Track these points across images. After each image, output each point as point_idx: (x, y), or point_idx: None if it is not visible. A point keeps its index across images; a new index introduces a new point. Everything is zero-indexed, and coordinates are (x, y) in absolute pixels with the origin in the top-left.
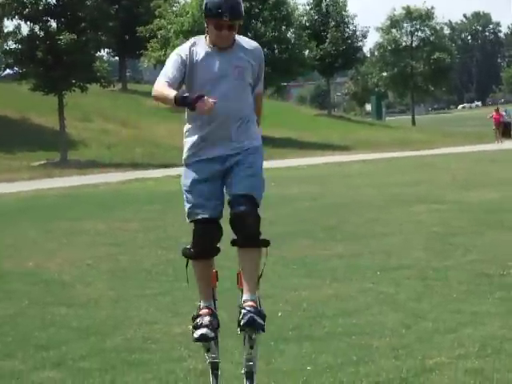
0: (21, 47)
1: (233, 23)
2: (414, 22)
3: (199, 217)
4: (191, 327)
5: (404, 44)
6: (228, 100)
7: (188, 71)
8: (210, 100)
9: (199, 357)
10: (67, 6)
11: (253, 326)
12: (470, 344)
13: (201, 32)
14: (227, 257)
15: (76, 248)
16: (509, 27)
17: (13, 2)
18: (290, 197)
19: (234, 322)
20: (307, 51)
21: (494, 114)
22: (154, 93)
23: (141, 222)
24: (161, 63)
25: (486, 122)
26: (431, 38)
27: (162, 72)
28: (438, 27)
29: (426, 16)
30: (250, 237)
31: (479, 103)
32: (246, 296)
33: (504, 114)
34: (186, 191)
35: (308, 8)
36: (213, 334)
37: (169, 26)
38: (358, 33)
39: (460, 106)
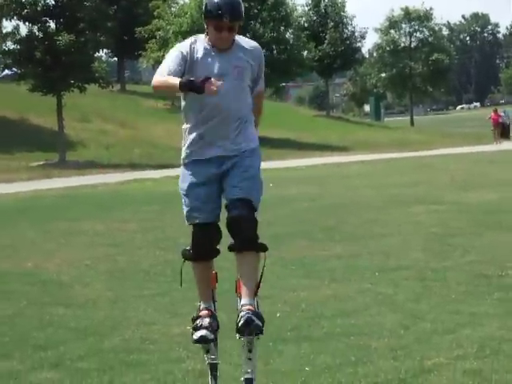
0: (19, 48)
1: (233, 25)
2: (413, 23)
3: (197, 221)
4: (191, 329)
5: (403, 45)
6: (227, 99)
7: (187, 68)
8: (218, 82)
9: (198, 358)
10: (66, 6)
11: (250, 326)
12: (469, 345)
13: (199, 33)
14: (226, 258)
15: (74, 248)
16: (507, 28)
17: (11, 3)
18: (288, 197)
19: (233, 324)
20: (306, 52)
21: (493, 114)
22: (154, 83)
23: (139, 223)
24: (159, 64)
25: (484, 122)
26: (430, 39)
27: (162, 65)
28: (436, 28)
29: (424, 17)
30: (247, 241)
31: (478, 104)
32: (244, 301)
33: (503, 114)
34: (183, 194)
35: (307, 9)
36: (212, 336)
37: (167, 27)
38: (356, 34)
39: (459, 107)
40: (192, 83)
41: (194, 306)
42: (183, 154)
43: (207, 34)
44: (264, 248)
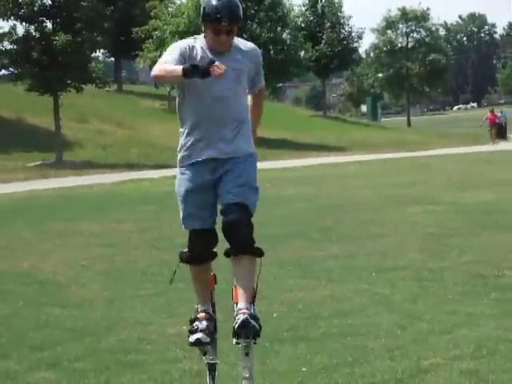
0: (16, 48)
1: (231, 28)
2: (410, 23)
3: (193, 227)
4: (187, 330)
5: (399, 45)
6: (224, 102)
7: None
8: (223, 66)
9: (194, 358)
10: (63, 6)
11: (247, 328)
12: (465, 345)
13: (196, 33)
14: (223, 258)
15: (70, 249)
16: (504, 28)
17: (8, 3)
18: (285, 198)
19: (229, 323)
20: (303, 52)
21: (489, 114)
22: (155, 71)
23: (135, 223)
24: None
25: (479, 124)
26: (427, 39)
27: (163, 57)
28: (433, 28)
29: (421, 17)
30: (243, 245)
31: (475, 104)
32: (240, 304)
33: (499, 115)
34: (179, 200)
35: (304, 9)
36: (208, 339)
37: (164, 27)
38: (353, 34)
39: (455, 108)
40: (196, 68)
41: (190, 306)
42: (179, 157)
43: (205, 36)
44: (260, 252)
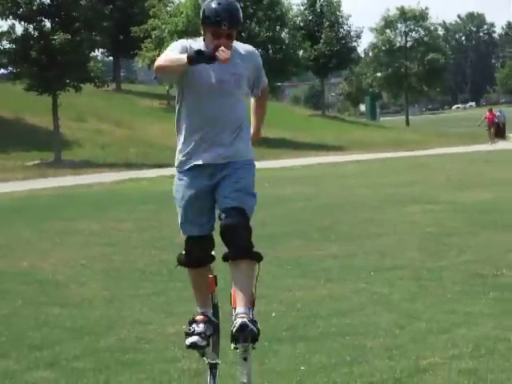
0: (15, 47)
1: (231, 32)
2: (408, 23)
3: (190, 234)
4: (184, 333)
5: (398, 44)
6: (223, 106)
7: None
8: (227, 51)
9: (193, 357)
10: (61, 5)
11: (245, 331)
12: (464, 344)
13: (195, 32)
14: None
15: (70, 248)
16: (503, 28)
17: (7, 2)
18: (284, 197)
19: (228, 323)
20: (301, 51)
21: (488, 113)
22: (158, 62)
23: (135, 222)
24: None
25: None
26: (425, 39)
27: (163, 53)
28: (432, 28)
29: (420, 16)
30: (241, 249)
31: (473, 104)
32: (238, 309)
33: (498, 114)
34: (177, 205)
35: (302, 8)
36: (204, 343)
37: (163, 26)
38: (352, 33)
39: (454, 107)
40: (201, 54)
41: (189, 306)
42: (177, 161)
43: (204, 39)
44: (259, 257)
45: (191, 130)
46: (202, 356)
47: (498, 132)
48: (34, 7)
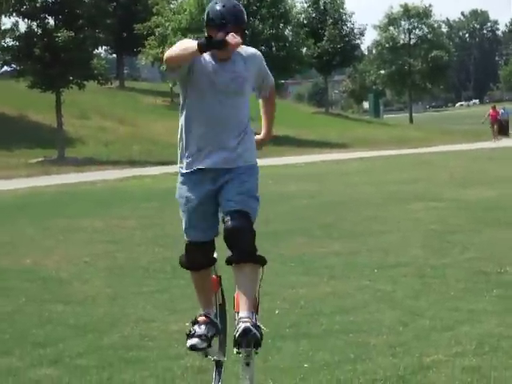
0: (18, 44)
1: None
2: (412, 20)
3: (194, 239)
4: (186, 334)
5: (402, 42)
6: (226, 109)
7: (190, 69)
8: (238, 37)
9: (196, 354)
10: (65, 3)
11: (248, 336)
12: (467, 342)
13: (198, 29)
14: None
15: (73, 245)
16: (506, 25)
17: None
18: (287, 194)
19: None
20: (305, 49)
21: (491, 111)
22: (168, 53)
23: (138, 220)
24: (158, 61)
25: (481, 121)
26: (429, 36)
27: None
28: (435, 25)
29: (423, 14)
30: (245, 252)
31: (477, 101)
32: (241, 313)
33: (502, 111)
34: (181, 210)
35: (306, 6)
36: (204, 345)
37: (166, 24)
38: (355, 30)
39: (458, 104)
40: (211, 40)
41: (193, 303)
42: (180, 163)
43: None
44: (263, 261)
45: (194, 131)
46: (205, 356)
47: (502, 129)
48: (38, 4)
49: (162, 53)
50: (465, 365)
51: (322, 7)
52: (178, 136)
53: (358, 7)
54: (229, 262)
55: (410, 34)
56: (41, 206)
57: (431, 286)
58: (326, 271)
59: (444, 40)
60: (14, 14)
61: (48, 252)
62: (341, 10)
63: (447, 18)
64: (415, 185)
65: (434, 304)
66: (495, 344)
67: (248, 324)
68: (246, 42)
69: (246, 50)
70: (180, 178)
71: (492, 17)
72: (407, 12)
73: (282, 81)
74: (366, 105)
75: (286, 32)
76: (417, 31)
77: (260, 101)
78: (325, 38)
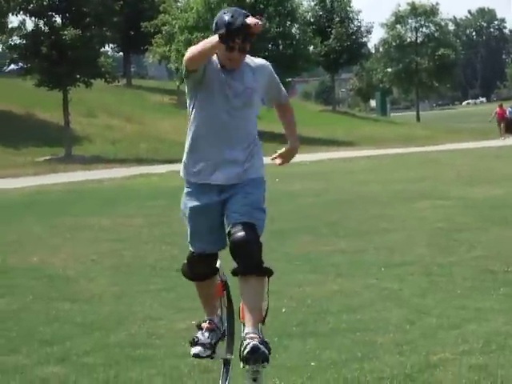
0: (25, 42)
1: (244, 45)
2: (419, 18)
3: (201, 251)
4: (189, 342)
5: (409, 40)
6: (235, 121)
7: (203, 73)
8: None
9: None
10: (72, 1)
11: (256, 354)
12: (474, 340)
13: (205, 28)
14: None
15: (80, 243)
16: None
17: None
18: (293, 193)
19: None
20: (312, 47)
21: (498, 109)
22: (188, 52)
23: (145, 218)
24: (165, 59)
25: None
26: (436, 34)
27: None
28: (442, 23)
29: (430, 12)
30: (251, 265)
31: (484, 99)
32: (247, 329)
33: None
34: (187, 219)
35: (313, 4)
36: (208, 352)
37: (173, 22)
38: (362, 29)
39: (464, 102)
40: (230, 26)
41: (199, 302)
42: (186, 170)
43: (217, 52)
44: (270, 272)
45: (202, 142)
46: (212, 358)
47: (509, 127)
48: (45, 3)
49: (169, 51)
50: (472, 363)
51: (329, 5)
52: (186, 145)
53: (365, 5)
54: (235, 273)
55: (417, 32)
56: (48, 204)
57: (438, 285)
58: (333, 269)
59: (451, 38)
60: (21, 13)
61: (55, 250)
62: (348, 8)
63: (454, 16)
64: (422, 183)
65: (440, 302)
66: (502, 342)
67: (256, 341)
68: (253, 40)
69: (255, 61)
70: (186, 186)
71: (499, 15)
72: (414, 10)
73: (289, 79)
74: (372, 103)
75: (293, 30)
76: (424, 29)
77: (276, 110)
78: (332, 36)
